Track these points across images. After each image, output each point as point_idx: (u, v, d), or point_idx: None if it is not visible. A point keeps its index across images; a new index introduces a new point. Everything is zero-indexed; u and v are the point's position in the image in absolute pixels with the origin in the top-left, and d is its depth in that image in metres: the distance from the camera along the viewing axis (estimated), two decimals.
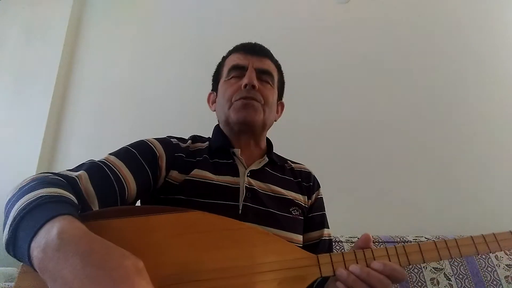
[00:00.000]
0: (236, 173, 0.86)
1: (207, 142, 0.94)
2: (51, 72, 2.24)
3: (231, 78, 0.94)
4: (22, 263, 0.50)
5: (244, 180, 0.84)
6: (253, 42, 1.01)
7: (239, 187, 0.83)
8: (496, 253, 1.40)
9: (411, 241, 1.46)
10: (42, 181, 0.56)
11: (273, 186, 0.88)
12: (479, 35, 2.02)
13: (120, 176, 0.71)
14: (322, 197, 1.00)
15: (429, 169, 1.81)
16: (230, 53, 1.01)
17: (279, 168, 0.96)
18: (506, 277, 1.34)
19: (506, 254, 1.40)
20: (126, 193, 0.71)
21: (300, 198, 0.92)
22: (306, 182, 0.98)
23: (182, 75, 2.19)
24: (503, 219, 1.65)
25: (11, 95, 2.27)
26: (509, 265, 1.37)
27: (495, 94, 1.91)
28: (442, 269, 1.37)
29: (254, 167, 0.90)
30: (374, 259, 0.60)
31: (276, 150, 1.02)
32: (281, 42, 2.13)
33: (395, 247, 0.61)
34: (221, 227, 0.61)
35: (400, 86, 1.98)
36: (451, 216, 1.71)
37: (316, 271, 0.59)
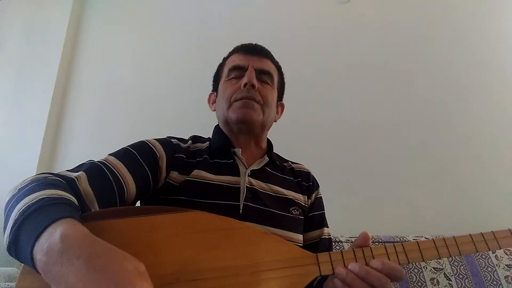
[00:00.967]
0: (236, 173, 0.86)
1: (207, 142, 0.94)
2: (51, 72, 2.24)
3: (231, 78, 0.94)
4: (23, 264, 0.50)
5: (244, 180, 0.84)
6: (254, 43, 1.01)
7: (239, 187, 0.83)
8: (496, 253, 1.40)
9: (407, 241, 1.46)
10: (42, 182, 0.56)
11: (273, 186, 0.89)
12: (479, 35, 2.02)
13: (120, 177, 0.71)
14: (321, 197, 1.00)
15: (429, 169, 1.81)
16: (230, 54, 1.01)
17: (279, 168, 0.96)
18: (506, 277, 1.34)
19: (506, 254, 1.40)
20: (126, 194, 0.71)
21: (300, 197, 0.92)
22: (306, 182, 0.98)
23: (182, 75, 2.20)
24: (503, 219, 1.65)
25: (11, 95, 2.27)
26: (509, 265, 1.37)
27: (495, 94, 1.90)
28: (442, 269, 1.36)
29: (254, 166, 0.90)
30: (373, 258, 0.60)
31: (276, 150, 1.02)
32: (281, 42, 2.13)
33: (394, 246, 0.61)
34: (220, 227, 0.61)
35: (400, 86, 1.98)
36: (451, 216, 1.70)
37: (315, 270, 0.59)
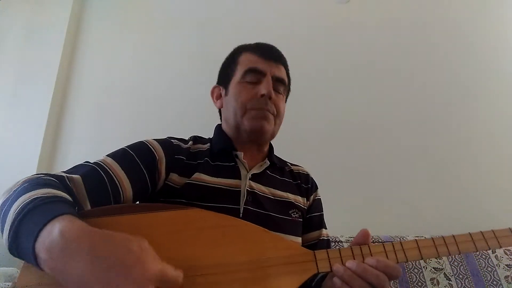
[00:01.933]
0: (237, 176, 0.85)
1: (208, 144, 0.92)
2: (51, 72, 2.24)
3: (246, 81, 0.90)
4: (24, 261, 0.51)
5: (245, 183, 0.84)
6: (270, 45, 0.98)
7: (240, 190, 0.82)
8: (496, 253, 1.40)
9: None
10: (35, 182, 0.57)
11: (273, 189, 0.88)
12: (479, 35, 2.02)
13: (115, 179, 0.70)
14: (320, 198, 1.00)
15: (429, 169, 1.81)
16: (244, 50, 0.96)
17: (278, 170, 0.96)
18: (506, 277, 1.33)
19: (506, 254, 1.40)
20: (121, 196, 0.70)
21: (299, 199, 0.93)
22: (305, 184, 0.98)
23: (182, 76, 2.20)
24: (503, 219, 1.65)
25: (11, 95, 2.27)
26: (509, 265, 1.37)
27: (495, 95, 1.90)
28: (442, 269, 1.36)
29: (255, 170, 0.89)
30: (371, 255, 0.60)
31: (276, 150, 1.02)
32: (281, 42, 2.13)
33: (393, 244, 0.61)
34: (219, 224, 0.61)
35: (400, 86, 1.98)
36: (451, 216, 1.70)
37: (313, 267, 0.60)
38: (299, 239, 0.87)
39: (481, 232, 0.61)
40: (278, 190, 0.89)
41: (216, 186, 0.81)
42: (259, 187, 0.86)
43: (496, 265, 1.37)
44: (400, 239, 1.45)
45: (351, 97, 2.00)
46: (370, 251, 0.60)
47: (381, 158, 1.86)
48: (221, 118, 1.00)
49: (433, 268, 1.37)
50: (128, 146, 0.79)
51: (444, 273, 1.35)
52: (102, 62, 2.34)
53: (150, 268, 0.44)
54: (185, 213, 0.61)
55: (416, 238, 1.46)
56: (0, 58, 2.37)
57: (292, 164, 1.03)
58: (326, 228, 0.97)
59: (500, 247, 0.58)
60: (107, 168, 0.70)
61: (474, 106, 1.89)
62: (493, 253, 1.40)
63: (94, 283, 0.41)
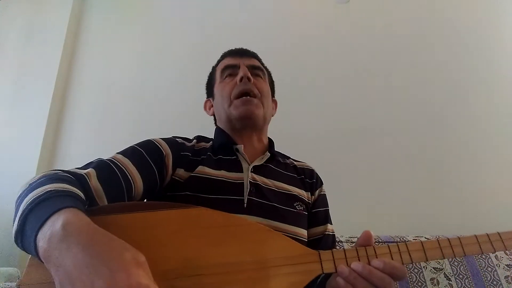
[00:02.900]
0: (239, 169, 0.87)
1: (211, 142, 0.96)
2: (51, 72, 2.24)
3: (225, 77, 0.98)
4: (25, 262, 0.52)
5: (248, 176, 0.86)
6: (240, 47, 1.06)
7: (243, 182, 0.84)
8: (496, 253, 1.40)
9: (411, 241, 1.46)
10: (51, 177, 0.58)
11: (276, 181, 0.90)
12: (478, 36, 2.02)
13: (127, 174, 0.73)
14: (325, 194, 1.01)
15: (429, 169, 1.81)
16: (219, 61, 1.06)
17: (282, 165, 0.98)
18: (506, 277, 1.34)
19: (506, 254, 1.40)
20: (133, 190, 0.73)
21: (303, 194, 0.93)
22: (309, 179, 0.99)
23: (182, 76, 2.19)
24: (503, 219, 1.65)
25: (11, 95, 2.27)
26: (509, 265, 1.37)
27: (495, 95, 1.91)
28: (442, 269, 1.36)
29: (257, 163, 0.91)
30: (376, 257, 0.60)
31: (279, 150, 1.03)
32: (281, 42, 2.14)
33: (398, 245, 0.61)
34: (224, 223, 0.61)
35: (400, 86, 1.98)
36: (451, 216, 1.71)
37: (317, 268, 0.60)
38: (305, 232, 0.87)
39: (487, 234, 0.61)
40: (281, 183, 0.90)
41: (219, 178, 0.83)
42: (262, 179, 0.88)
43: (496, 265, 1.37)
44: (400, 239, 1.46)
45: (351, 97, 2.00)
46: (375, 253, 0.60)
47: (381, 158, 1.86)
48: (216, 124, 1.06)
49: (433, 268, 1.37)
50: (137, 144, 0.82)
51: (444, 273, 1.36)
52: (102, 62, 2.34)
53: (134, 279, 0.42)
54: (190, 212, 0.61)
55: (416, 238, 1.47)
56: (0, 58, 2.36)
57: (295, 160, 1.04)
58: (331, 224, 0.98)
59: (506, 249, 0.58)
60: (119, 164, 0.73)
61: (474, 107, 1.90)
62: (493, 253, 1.40)
63: (77, 279, 0.41)
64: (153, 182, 0.78)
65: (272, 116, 1.06)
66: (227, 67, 0.99)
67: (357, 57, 2.07)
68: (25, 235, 0.49)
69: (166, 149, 0.83)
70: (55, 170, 0.64)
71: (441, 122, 1.89)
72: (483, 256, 1.40)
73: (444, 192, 1.76)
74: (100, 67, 2.32)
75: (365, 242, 0.63)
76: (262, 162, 0.92)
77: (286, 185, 0.91)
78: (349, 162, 1.87)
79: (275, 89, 1.13)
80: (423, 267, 1.37)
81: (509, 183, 1.74)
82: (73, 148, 2.15)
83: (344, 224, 1.51)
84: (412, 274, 1.36)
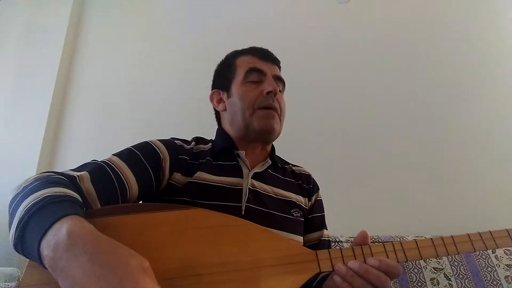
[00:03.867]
0: (239, 175, 0.86)
1: (210, 144, 0.94)
2: (51, 72, 2.25)
3: (249, 81, 0.92)
4: (27, 260, 0.52)
5: (247, 182, 0.85)
6: (264, 48, 1.01)
7: (242, 189, 0.83)
8: (496, 253, 1.40)
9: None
10: (45, 180, 0.58)
11: (275, 188, 0.89)
12: (479, 35, 2.02)
13: (122, 177, 0.71)
14: (321, 199, 1.01)
15: (429, 169, 1.81)
16: (240, 54, 0.99)
17: (280, 170, 0.97)
18: (506, 277, 1.33)
19: (506, 254, 1.40)
20: (128, 193, 0.72)
21: (301, 199, 0.93)
22: (306, 184, 0.99)
23: (182, 76, 2.20)
24: (503, 219, 1.65)
25: (11, 95, 2.27)
26: (509, 265, 1.37)
27: (495, 95, 1.90)
28: (442, 269, 1.36)
29: (257, 169, 0.90)
30: (372, 256, 0.60)
31: (277, 150, 1.02)
32: (281, 42, 2.13)
33: (393, 244, 0.62)
34: (221, 224, 0.62)
35: (400, 86, 1.98)
36: (451, 216, 1.70)
37: (315, 267, 0.60)
38: (301, 238, 0.87)
39: (479, 233, 0.62)
40: (280, 189, 0.90)
41: (218, 184, 0.82)
42: (261, 186, 0.87)
43: (496, 265, 1.37)
44: (400, 239, 1.46)
45: (350, 97, 2.00)
46: (371, 251, 0.61)
47: (381, 158, 1.86)
48: (219, 122, 1.02)
49: (433, 268, 1.37)
50: (133, 146, 0.80)
51: (444, 273, 1.35)
52: (102, 62, 2.34)
53: (142, 286, 0.43)
54: (187, 213, 0.61)
55: (416, 238, 1.47)
56: (0, 58, 2.37)
57: (293, 165, 1.04)
58: (327, 229, 0.98)
59: (497, 247, 0.60)
60: (114, 166, 0.72)
61: (474, 107, 1.89)
62: (493, 253, 1.40)
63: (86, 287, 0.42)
64: (148, 186, 0.77)
65: None
66: (253, 70, 0.93)
67: (357, 57, 2.07)
68: (26, 243, 0.49)
69: (163, 152, 0.81)
70: (48, 172, 0.63)
71: (441, 122, 1.88)
72: (483, 256, 1.39)
73: (444, 192, 1.76)
74: (100, 67, 2.33)
75: (362, 242, 0.64)
76: (262, 169, 0.91)
77: (284, 191, 0.90)
78: (349, 162, 1.87)
79: None
80: (423, 267, 1.37)
81: (509, 183, 1.73)
82: (73, 148, 2.16)
83: (344, 224, 1.52)
84: (412, 274, 1.35)
